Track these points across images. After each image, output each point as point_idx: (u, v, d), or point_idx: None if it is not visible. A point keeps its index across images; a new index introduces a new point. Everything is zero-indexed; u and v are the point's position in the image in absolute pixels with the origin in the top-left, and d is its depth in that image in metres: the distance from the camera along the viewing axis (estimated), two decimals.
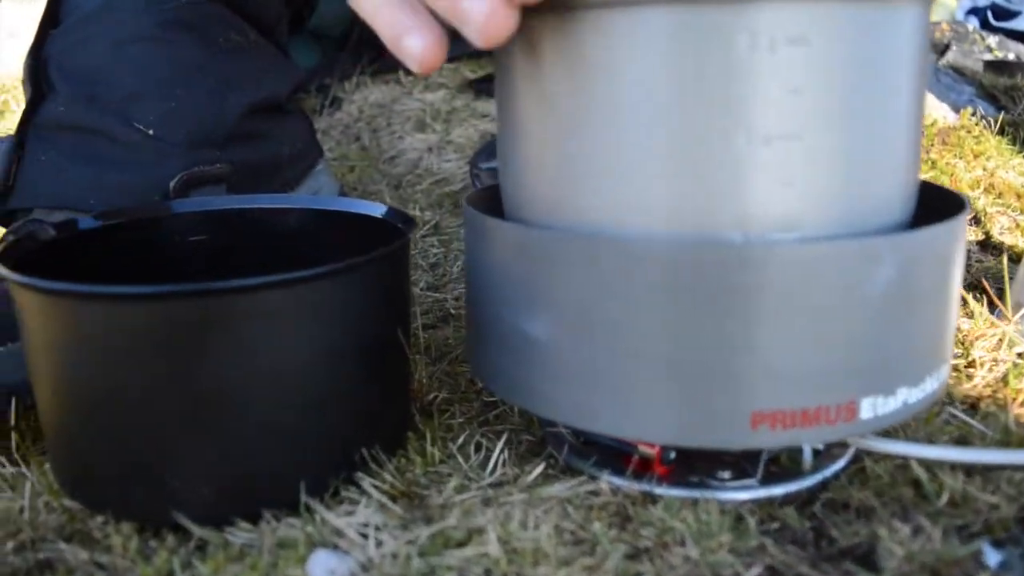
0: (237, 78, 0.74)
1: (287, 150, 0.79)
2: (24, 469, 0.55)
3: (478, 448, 0.54)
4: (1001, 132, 1.16)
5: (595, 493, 0.48)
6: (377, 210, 0.59)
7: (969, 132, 1.15)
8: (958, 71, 1.45)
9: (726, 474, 0.49)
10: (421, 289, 0.83)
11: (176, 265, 0.60)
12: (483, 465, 0.52)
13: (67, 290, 0.43)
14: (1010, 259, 0.82)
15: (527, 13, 0.41)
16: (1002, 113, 1.21)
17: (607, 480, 0.49)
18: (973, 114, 1.20)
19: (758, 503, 0.48)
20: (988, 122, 1.18)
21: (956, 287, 0.47)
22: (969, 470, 0.49)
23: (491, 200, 0.55)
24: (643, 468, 0.50)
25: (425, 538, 0.44)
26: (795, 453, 0.51)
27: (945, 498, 0.47)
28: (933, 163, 1.07)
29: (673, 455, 0.50)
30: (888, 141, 0.43)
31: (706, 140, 0.40)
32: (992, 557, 0.43)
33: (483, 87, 1.41)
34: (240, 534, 0.45)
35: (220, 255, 0.61)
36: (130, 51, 0.71)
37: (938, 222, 0.44)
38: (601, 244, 0.42)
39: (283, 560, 0.43)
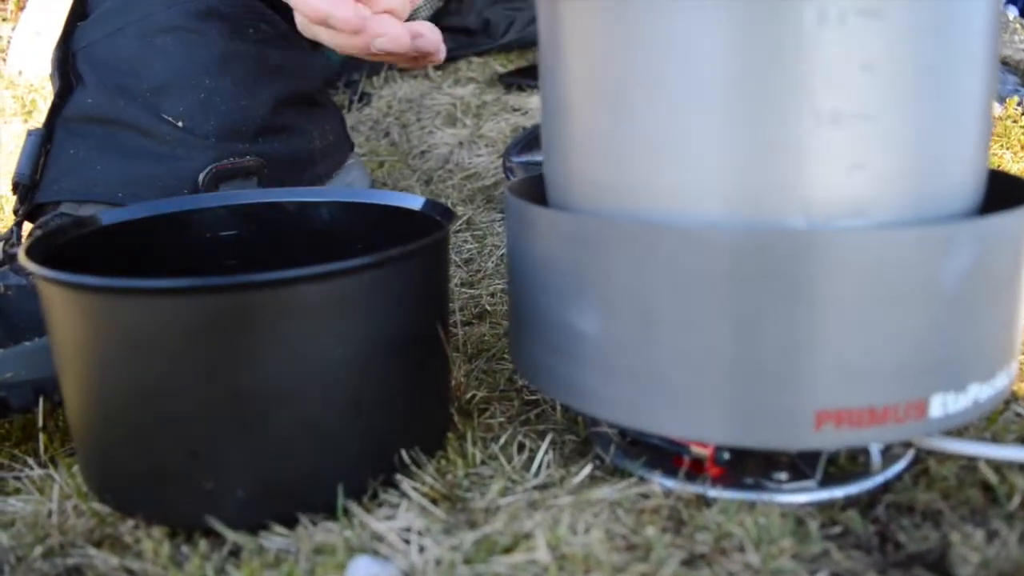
0: (268, 70, 0.72)
1: (318, 143, 0.77)
2: (52, 471, 0.54)
3: (521, 449, 0.52)
4: None
5: (646, 496, 0.46)
6: (415, 202, 0.57)
7: (1016, 122, 1.11)
8: (1001, 61, 1.41)
9: (783, 475, 0.46)
10: (456, 285, 0.81)
11: (206, 261, 0.58)
12: (527, 466, 0.49)
13: (101, 285, 0.41)
14: None
15: None
16: None
17: (658, 482, 0.47)
18: (1019, 104, 1.16)
19: (817, 506, 0.45)
20: None
21: None
22: None
23: (532, 190, 0.53)
24: (695, 469, 0.47)
25: (470, 544, 0.41)
26: (854, 452, 0.48)
27: (1017, 500, 0.45)
28: None
29: (727, 456, 0.47)
30: (961, 120, 0.40)
31: (770, 119, 0.37)
32: None
33: (513, 81, 1.40)
34: (275, 539, 0.43)
35: (251, 250, 0.59)
36: (159, 42, 0.69)
37: (1009, 208, 0.41)
38: (656, 231, 0.39)
39: (321, 567, 0.41)
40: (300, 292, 0.41)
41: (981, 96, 0.41)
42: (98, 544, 0.46)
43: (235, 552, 0.44)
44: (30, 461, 0.56)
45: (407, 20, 0.62)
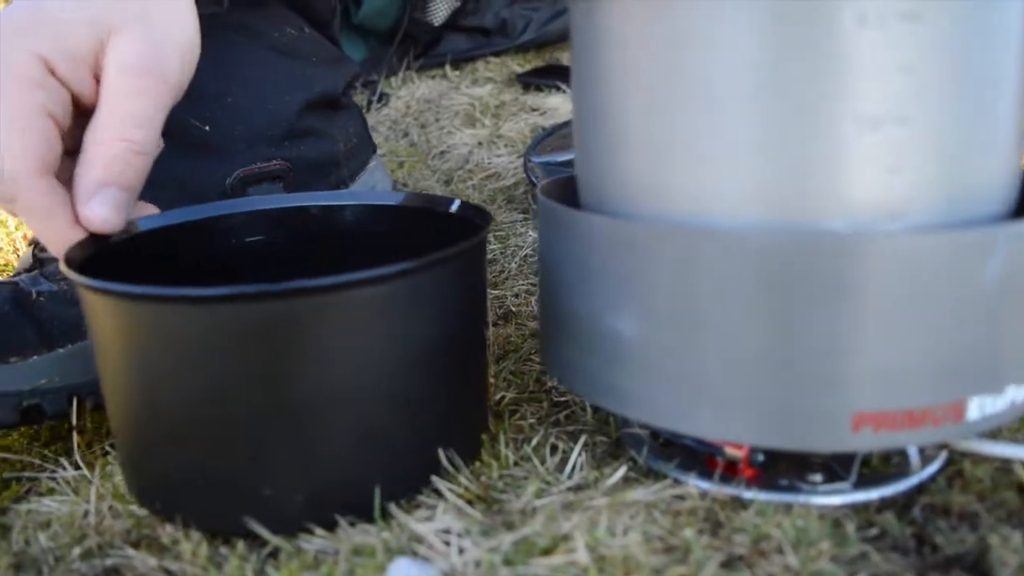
0: (294, 74, 0.72)
1: (342, 146, 0.77)
2: (86, 472, 0.54)
3: (553, 450, 0.52)
4: None
5: (681, 497, 0.46)
6: (451, 205, 0.57)
7: None
8: None
9: (817, 477, 0.47)
10: None
11: (235, 267, 0.59)
12: (560, 468, 0.50)
13: (156, 295, 0.41)
14: None
15: None
16: None
17: (693, 484, 0.47)
18: None
19: (853, 508, 0.45)
20: None
21: None
22: None
23: (562, 191, 0.53)
24: (729, 471, 0.47)
25: (509, 545, 0.42)
26: (887, 454, 0.49)
27: None
28: None
29: (761, 457, 0.47)
30: (998, 122, 0.41)
31: (809, 122, 0.38)
32: None
33: (531, 80, 1.40)
34: (315, 541, 0.44)
35: (279, 255, 0.60)
36: None
37: None
38: (696, 235, 0.40)
39: (361, 568, 0.41)
40: (353, 296, 0.41)
41: (1017, 98, 0.41)
42: (136, 545, 0.47)
43: (274, 554, 0.45)
44: (63, 461, 0.57)
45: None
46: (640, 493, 0.46)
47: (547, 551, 0.41)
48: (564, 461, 0.50)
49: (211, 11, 0.67)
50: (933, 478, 0.48)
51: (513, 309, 0.76)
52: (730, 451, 0.47)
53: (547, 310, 0.50)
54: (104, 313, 0.44)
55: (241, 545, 0.45)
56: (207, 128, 0.68)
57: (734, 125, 0.39)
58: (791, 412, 0.40)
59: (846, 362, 0.39)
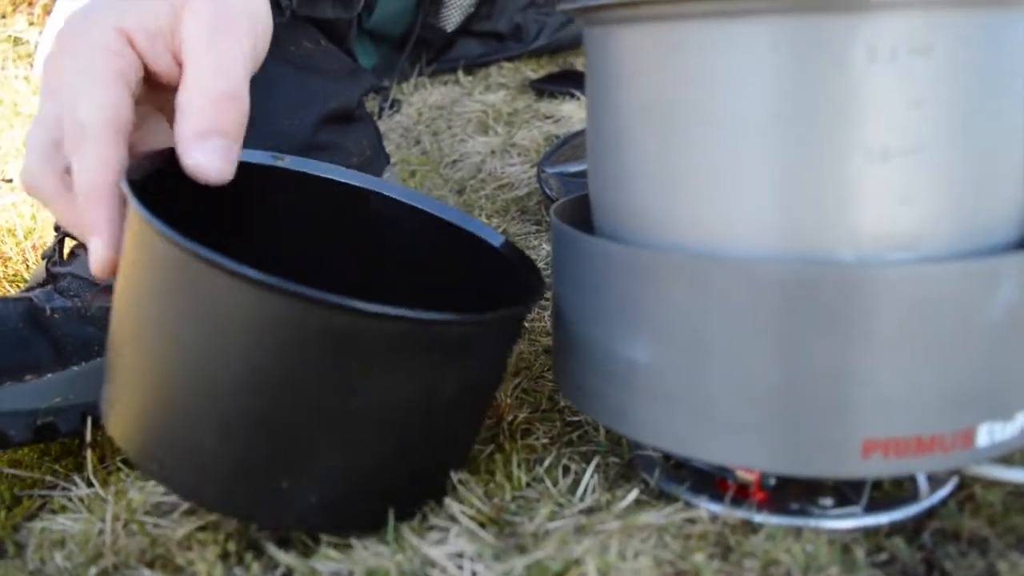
0: (310, 89, 0.74)
1: (356, 160, 0.79)
2: (100, 490, 0.56)
3: (566, 471, 0.53)
4: None
5: (692, 521, 0.47)
6: (495, 239, 0.57)
7: None
8: None
9: (828, 501, 0.48)
10: None
11: (272, 225, 0.59)
12: (572, 490, 0.51)
13: (244, 274, 0.40)
14: None
15: (627, 24, 0.41)
16: None
17: (704, 507, 0.48)
18: None
19: (863, 532, 0.47)
20: None
21: None
22: None
23: (576, 212, 0.54)
24: (740, 494, 0.49)
25: (521, 569, 0.43)
26: (898, 478, 0.50)
27: None
28: None
29: (773, 481, 0.49)
30: (1008, 154, 0.42)
31: (819, 155, 0.39)
32: None
33: (544, 87, 1.41)
34: (328, 563, 0.45)
35: (302, 222, 0.59)
36: None
37: None
38: (708, 264, 0.41)
39: None
40: (427, 332, 0.43)
41: None
42: (150, 564, 0.48)
43: (288, 574, 0.46)
44: (75, 478, 0.58)
45: None
46: (652, 516, 0.47)
47: (559, 575, 0.43)
48: (576, 483, 0.52)
49: None
50: (944, 502, 0.49)
51: (526, 324, 0.77)
52: (742, 474, 0.49)
53: (560, 333, 0.52)
54: (170, 268, 0.44)
55: (256, 565, 0.47)
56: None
57: (746, 157, 0.40)
58: (801, 439, 0.42)
59: (855, 390, 0.41)
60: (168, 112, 0.51)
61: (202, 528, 0.50)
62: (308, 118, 0.73)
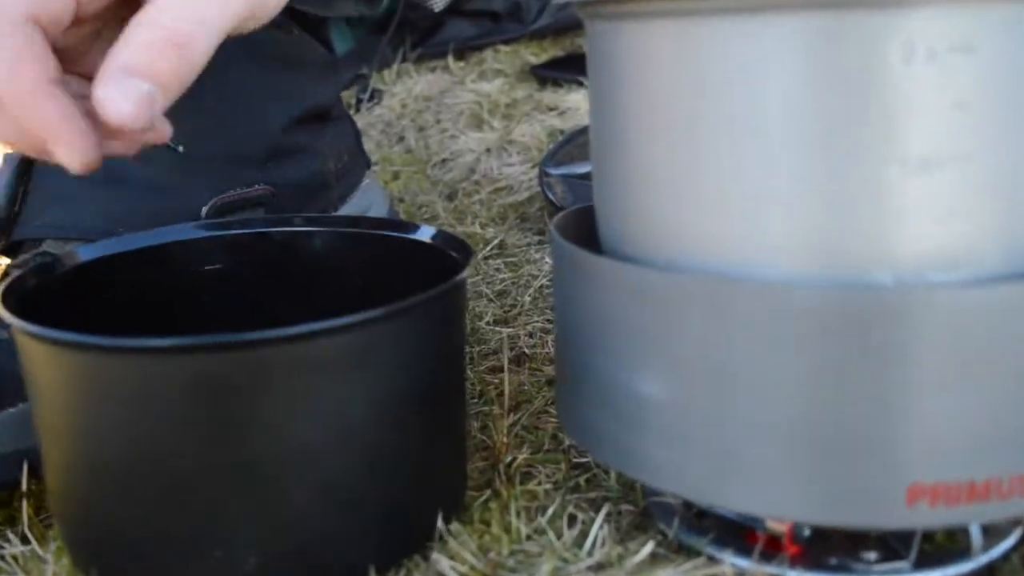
0: (280, 84, 0.75)
1: (332, 165, 0.80)
2: (37, 547, 0.56)
3: (571, 521, 0.54)
4: None
5: None
6: (424, 234, 0.61)
7: None
8: None
9: (872, 555, 0.49)
10: (487, 323, 0.84)
11: (190, 299, 0.62)
12: (579, 543, 0.52)
13: (89, 343, 0.44)
14: None
15: (637, 19, 0.42)
16: None
17: (730, 562, 0.49)
18: None
19: None
20: None
21: None
22: None
23: (580, 225, 0.56)
24: (771, 547, 0.50)
25: None
26: (953, 528, 0.51)
27: None
28: None
29: (807, 532, 0.50)
30: None
31: (852, 165, 0.41)
32: None
33: (547, 74, 1.42)
34: None
35: (238, 286, 0.64)
36: None
37: None
38: (729, 287, 0.42)
39: None
40: (313, 348, 0.45)
41: None
42: None
43: None
44: (8, 533, 0.59)
45: None
46: (670, 573, 0.49)
47: None
48: (584, 534, 0.53)
49: None
50: (1006, 556, 0.50)
51: (527, 351, 0.79)
52: (772, 524, 0.50)
53: (564, 363, 0.53)
54: (41, 361, 0.47)
55: None
56: (180, 148, 0.70)
57: (770, 167, 0.42)
58: (837, 484, 0.43)
59: (897, 428, 0.42)
60: None
61: None
62: (277, 119, 0.74)
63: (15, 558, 0.56)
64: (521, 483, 0.59)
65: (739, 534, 0.51)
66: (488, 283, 0.92)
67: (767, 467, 0.44)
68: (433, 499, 0.52)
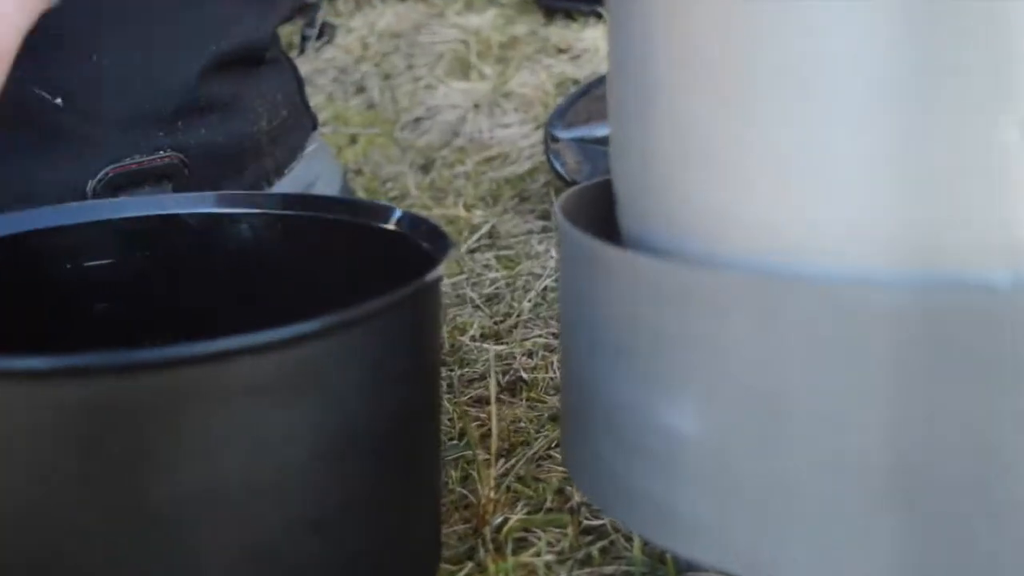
0: (198, 18, 0.75)
1: (265, 123, 0.80)
2: None
3: None
4: None
5: None
6: (388, 217, 0.60)
7: None
8: None
9: None
10: (472, 338, 0.84)
11: (69, 306, 0.62)
12: None
13: None
14: None
15: None
16: None
17: None
18: None
19: None
20: None
21: None
22: None
23: (596, 204, 0.56)
24: None
25: None
26: None
27: None
28: None
29: None
30: None
31: (957, 129, 0.41)
32: None
33: (557, 3, 1.42)
34: None
35: (138, 289, 0.63)
36: None
37: None
38: (789, 287, 0.42)
39: None
40: (231, 370, 0.44)
41: None
42: None
43: None
44: None
45: None
46: None
47: None
48: None
49: None
50: None
51: (524, 375, 0.78)
52: None
53: (571, 389, 0.53)
54: None
55: None
56: (59, 102, 0.70)
57: (846, 132, 0.42)
58: (939, 550, 0.43)
59: (1014, 468, 0.42)
60: None
61: None
62: (191, 62, 0.74)
63: None
64: (514, 553, 0.59)
65: None
66: (474, 285, 0.92)
67: (840, 523, 0.43)
68: (395, 573, 0.52)
